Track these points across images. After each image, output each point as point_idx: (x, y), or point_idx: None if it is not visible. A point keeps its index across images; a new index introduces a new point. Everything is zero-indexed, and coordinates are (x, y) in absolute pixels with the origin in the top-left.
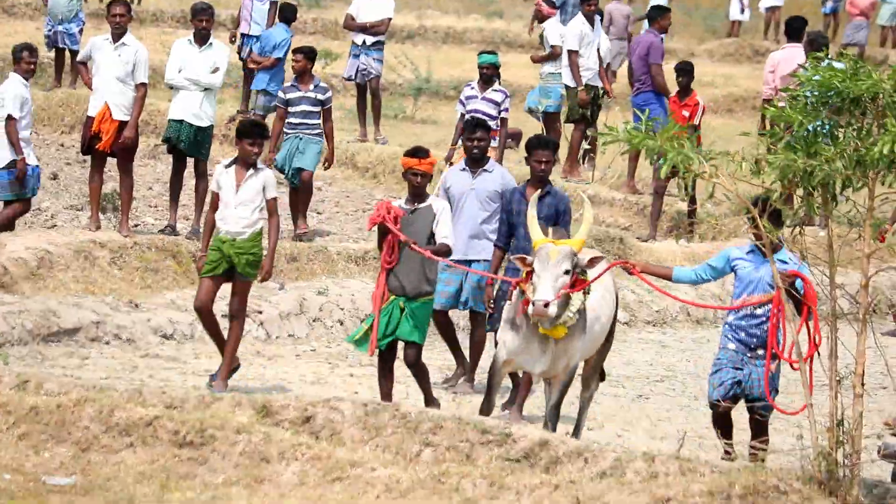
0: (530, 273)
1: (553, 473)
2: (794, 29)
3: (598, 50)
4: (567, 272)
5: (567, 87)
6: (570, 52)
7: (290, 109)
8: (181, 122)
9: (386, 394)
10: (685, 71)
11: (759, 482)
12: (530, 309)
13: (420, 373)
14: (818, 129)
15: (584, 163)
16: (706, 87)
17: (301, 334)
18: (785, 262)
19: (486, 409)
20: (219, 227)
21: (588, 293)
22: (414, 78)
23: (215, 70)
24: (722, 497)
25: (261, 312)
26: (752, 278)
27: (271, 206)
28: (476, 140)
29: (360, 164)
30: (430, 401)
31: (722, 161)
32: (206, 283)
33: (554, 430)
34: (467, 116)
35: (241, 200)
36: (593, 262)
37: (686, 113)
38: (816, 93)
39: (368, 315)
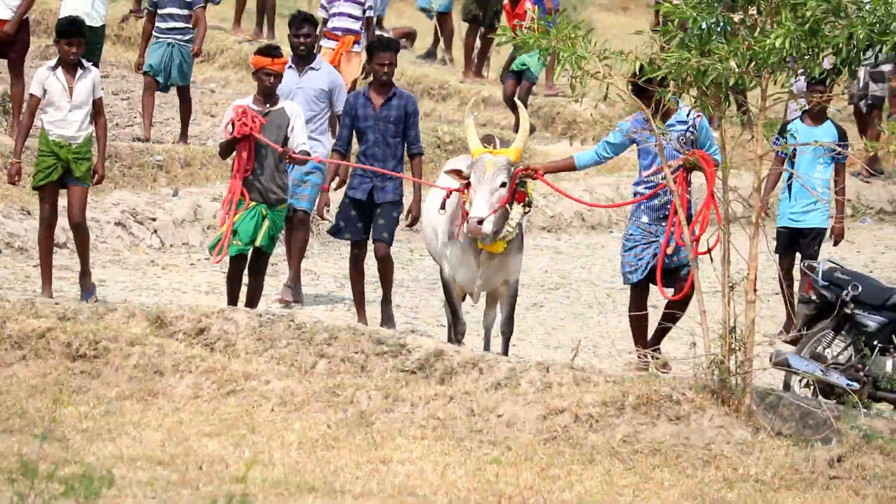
0: (468, 185)
1: (448, 384)
2: None
3: None
4: (504, 184)
5: None
6: None
7: (160, 11)
8: None
9: (234, 299)
10: None
11: (653, 391)
12: (465, 226)
13: (261, 284)
14: (712, 26)
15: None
16: None
17: (195, 242)
18: (685, 123)
19: (458, 332)
20: (48, 131)
21: (529, 205)
22: None
23: None
24: (615, 407)
25: (154, 220)
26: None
27: (99, 106)
28: (302, 36)
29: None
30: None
31: (616, 60)
32: (50, 192)
33: (507, 344)
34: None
35: (76, 103)
36: (528, 171)
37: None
38: None
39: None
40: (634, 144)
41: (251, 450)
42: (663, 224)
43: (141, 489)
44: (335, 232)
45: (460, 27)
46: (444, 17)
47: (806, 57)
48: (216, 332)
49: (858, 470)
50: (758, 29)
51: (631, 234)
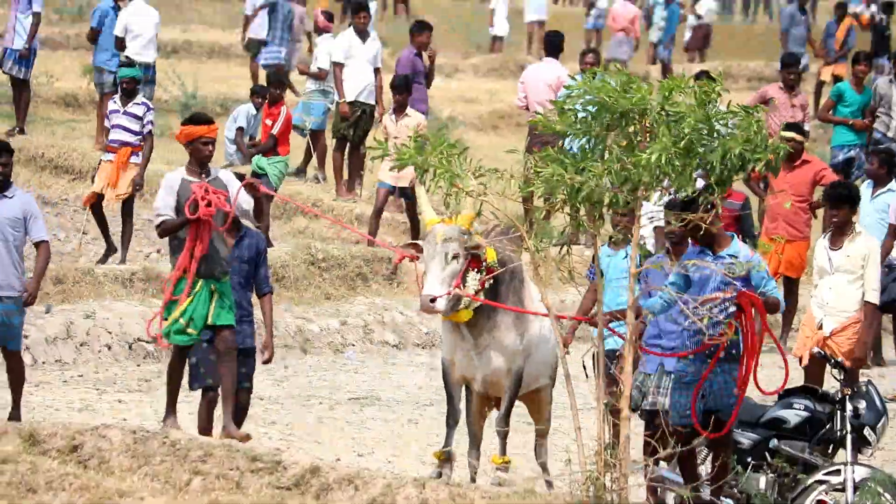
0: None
1: (324, 500)
2: (553, 44)
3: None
4: (456, 256)
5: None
6: (334, 63)
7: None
8: None
9: (174, 396)
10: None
11: None
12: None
13: (233, 370)
14: (585, 145)
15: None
16: (471, 103)
17: (68, 359)
18: (735, 256)
19: (450, 417)
20: None
21: (483, 272)
22: (181, 94)
23: None
24: None
25: (27, 337)
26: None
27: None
28: (0, 165)
29: None
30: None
31: (490, 178)
32: None
33: (503, 443)
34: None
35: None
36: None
37: (269, 122)
38: (589, 107)
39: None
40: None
41: None
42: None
43: None
44: (194, 379)
45: (332, 145)
46: (316, 135)
47: (679, 176)
48: (90, 450)
49: None
50: (632, 147)
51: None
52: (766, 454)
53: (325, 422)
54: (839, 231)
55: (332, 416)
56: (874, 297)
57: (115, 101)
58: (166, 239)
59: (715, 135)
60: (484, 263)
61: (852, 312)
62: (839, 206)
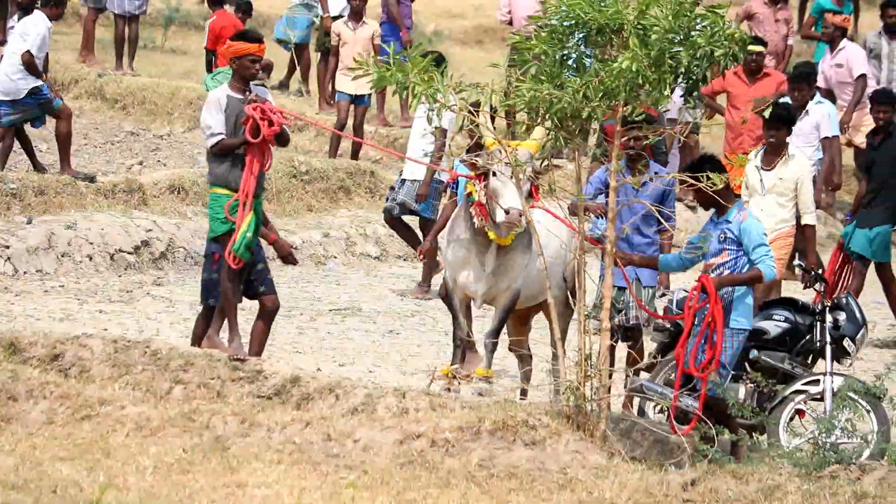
0: (481, 176)
1: (304, 410)
2: None
3: None
4: (529, 179)
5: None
6: None
7: None
8: None
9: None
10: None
11: (509, 417)
12: (500, 216)
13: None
14: (564, 59)
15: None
16: (456, 17)
17: (49, 269)
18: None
19: (457, 334)
20: None
21: (531, 196)
22: (164, 7)
23: None
24: (472, 432)
25: (8, 247)
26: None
27: None
28: None
29: (109, 96)
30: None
31: (471, 93)
32: None
33: (490, 357)
34: None
35: None
36: (548, 169)
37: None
38: (565, 23)
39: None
40: None
41: (105, 474)
42: None
43: None
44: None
45: (315, 59)
46: (300, 49)
47: (654, 87)
48: (70, 359)
49: (711, 493)
50: (609, 61)
51: None
52: (746, 365)
53: (307, 332)
54: (773, 151)
55: (313, 327)
56: (812, 220)
57: None
58: (149, 151)
59: (688, 42)
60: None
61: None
62: (777, 126)
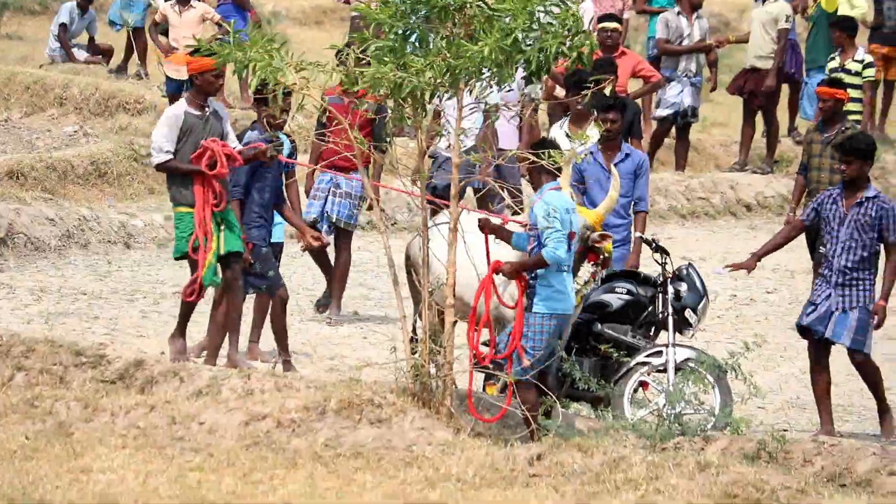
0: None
1: (149, 394)
2: None
3: None
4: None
5: None
6: None
7: None
8: None
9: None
10: None
11: (354, 395)
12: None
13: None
14: (407, 35)
15: None
16: None
17: None
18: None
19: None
20: None
21: (599, 265)
22: None
23: None
24: (317, 411)
25: None
26: None
27: None
28: None
29: None
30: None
31: (312, 72)
32: None
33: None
34: None
35: None
36: (605, 238)
37: None
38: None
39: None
40: None
41: None
42: None
43: None
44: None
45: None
46: (137, 32)
47: (500, 69)
48: None
49: (557, 467)
50: (454, 42)
51: None
52: (589, 338)
53: (150, 316)
54: (580, 119)
55: (156, 311)
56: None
57: None
58: None
59: (537, 26)
60: (601, 257)
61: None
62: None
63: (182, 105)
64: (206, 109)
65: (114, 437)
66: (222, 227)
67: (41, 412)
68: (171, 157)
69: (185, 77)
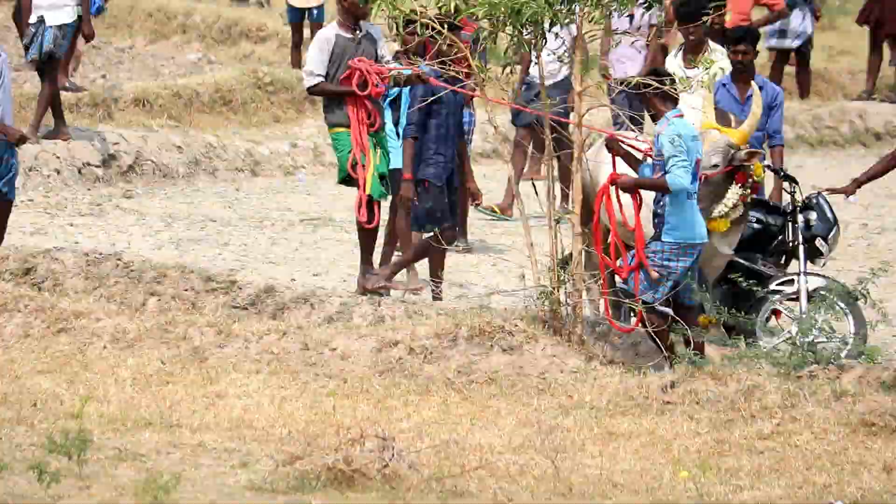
0: None
1: (280, 320)
2: None
3: None
4: (715, 166)
5: None
6: None
7: None
8: None
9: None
10: None
11: (485, 323)
12: None
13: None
14: None
15: None
16: None
17: (17, 184)
18: None
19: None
20: None
21: (748, 188)
22: None
23: None
24: (448, 338)
25: None
26: None
27: None
28: None
29: None
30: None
31: (429, 2)
32: None
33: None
34: None
35: None
36: (752, 155)
37: None
38: None
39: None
40: None
41: (85, 386)
42: None
43: None
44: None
45: None
46: None
47: None
48: (43, 272)
49: (691, 395)
50: None
51: None
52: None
53: (279, 243)
54: (694, 49)
55: (285, 238)
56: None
57: None
58: (111, 64)
59: None
60: (750, 179)
61: None
62: (691, 21)
63: (333, 28)
64: (358, 32)
65: (247, 362)
66: (378, 150)
67: (175, 337)
68: (321, 80)
69: (307, 5)
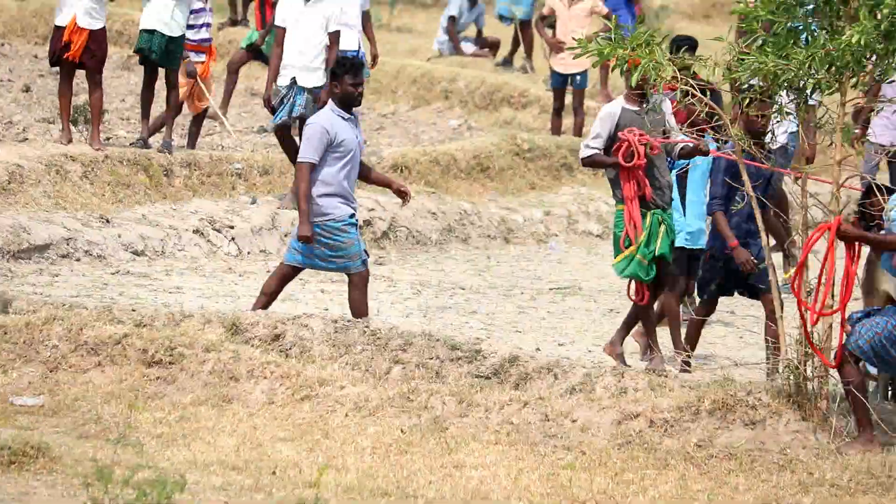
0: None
1: (522, 390)
2: None
3: None
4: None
5: None
6: None
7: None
8: (153, 32)
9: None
10: None
11: (728, 396)
12: None
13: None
14: (791, 30)
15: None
16: None
17: (272, 250)
18: None
19: None
20: None
21: None
22: None
23: None
24: (691, 412)
25: (232, 227)
26: None
27: None
28: None
29: None
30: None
31: (695, 67)
32: None
33: None
34: None
35: None
36: None
37: None
38: None
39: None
40: None
41: (324, 455)
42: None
43: (214, 494)
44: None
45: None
46: (524, 25)
47: (881, 58)
48: (291, 339)
49: None
50: (836, 32)
51: None
52: None
53: (526, 311)
54: None
55: (532, 306)
56: None
57: None
58: (373, 129)
59: None
60: None
61: None
62: None
63: (619, 102)
64: (646, 104)
65: (487, 432)
66: (662, 228)
67: (417, 406)
68: (597, 151)
69: (572, 71)
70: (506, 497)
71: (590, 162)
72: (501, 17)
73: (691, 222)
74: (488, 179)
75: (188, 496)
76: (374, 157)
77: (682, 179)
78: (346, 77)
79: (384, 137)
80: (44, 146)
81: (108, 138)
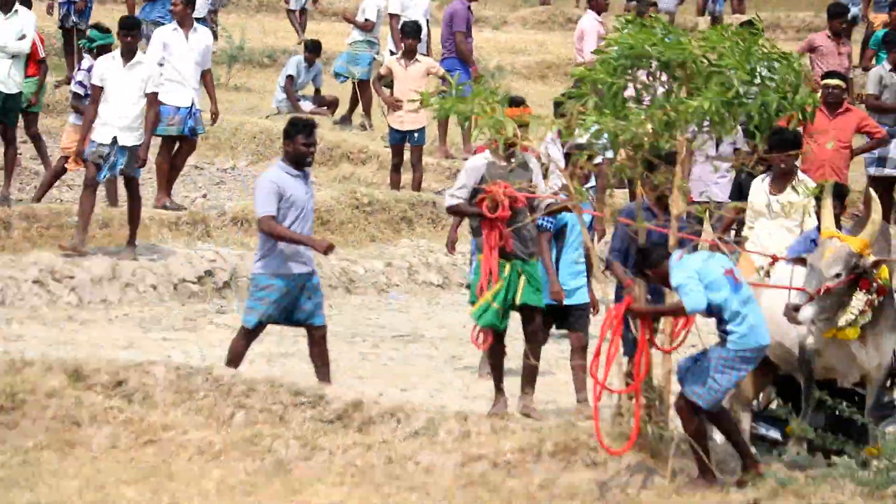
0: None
1: (366, 434)
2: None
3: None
4: (838, 276)
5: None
6: (390, 15)
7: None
8: None
9: (500, 367)
10: None
11: (570, 439)
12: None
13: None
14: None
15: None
16: (519, 53)
17: (114, 299)
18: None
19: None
20: None
21: (873, 292)
22: (228, 46)
23: (22, 37)
24: (533, 454)
25: (72, 277)
26: None
27: None
28: None
29: None
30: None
31: (534, 125)
32: None
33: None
34: None
35: None
36: (879, 263)
37: None
38: (626, 57)
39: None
40: None
41: (169, 497)
42: None
43: None
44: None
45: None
46: (363, 85)
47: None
48: (134, 385)
49: None
50: (673, 95)
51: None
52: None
53: (369, 358)
54: (784, 176)
55: (375, 353)
56: None
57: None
58: (212, 184)
59: (757, 80)
60: (874, 284)
61: None
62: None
63: (486, 155)
64: (513, 160)
65: (331, 474)
66: (522, 278)
67: (261, 450)
68: (461, 200)
69: (409, 128)
70: None
71: (455, 210)
72: (338, 76)
73: (565, 281)
74: (329, 232)
75: None
76: (215, 212)
77: (559, 236)
78: (298, 137)
79: (224, 192)
80: None
81: None
